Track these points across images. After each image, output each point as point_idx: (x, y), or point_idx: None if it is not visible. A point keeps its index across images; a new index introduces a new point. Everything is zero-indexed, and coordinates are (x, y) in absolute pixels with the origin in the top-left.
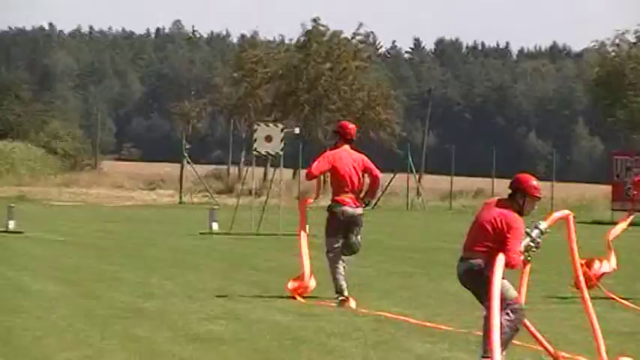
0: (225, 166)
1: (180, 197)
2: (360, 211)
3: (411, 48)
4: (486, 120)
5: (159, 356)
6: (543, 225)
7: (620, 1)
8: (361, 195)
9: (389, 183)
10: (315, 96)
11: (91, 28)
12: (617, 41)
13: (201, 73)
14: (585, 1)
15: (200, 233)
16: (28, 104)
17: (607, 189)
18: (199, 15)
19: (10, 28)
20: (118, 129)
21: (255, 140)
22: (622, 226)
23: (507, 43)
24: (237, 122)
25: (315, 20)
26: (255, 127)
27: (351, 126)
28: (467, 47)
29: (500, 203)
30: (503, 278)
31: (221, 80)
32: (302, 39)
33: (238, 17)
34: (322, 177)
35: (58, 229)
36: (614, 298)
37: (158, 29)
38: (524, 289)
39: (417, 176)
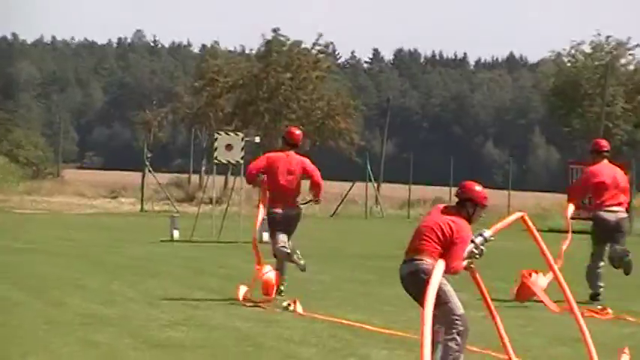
0: (186, 175)
1: (142, 205)
2: (294, 212)
3: (370, 58)
4: (444, 129)
5: None
6: (488, 233)
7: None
8: (298, 197)
9: (348, 192)
10: (275, 105)
11: (53, 37)
12: (572, 52)
13: (162, 83)
14: (542, 13)
15: (161, 241)
16: None
17: (563, 198)
18: (161, 25)
19: None
20: (80, 137)
21: (216, 149)
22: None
23: (465, 54)
24: (198, 131)
25: (275, 30)
26: (216, 135)
27: (298, 132)
28: (425, 57)
29: (449, 210)
30: (446, 288)
31: (182, 89)
32: (262, 49)
33: (199, 27)
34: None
35: (20, 236)
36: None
37: (120, 39)
38: (487, 298)
39: (376, 185)
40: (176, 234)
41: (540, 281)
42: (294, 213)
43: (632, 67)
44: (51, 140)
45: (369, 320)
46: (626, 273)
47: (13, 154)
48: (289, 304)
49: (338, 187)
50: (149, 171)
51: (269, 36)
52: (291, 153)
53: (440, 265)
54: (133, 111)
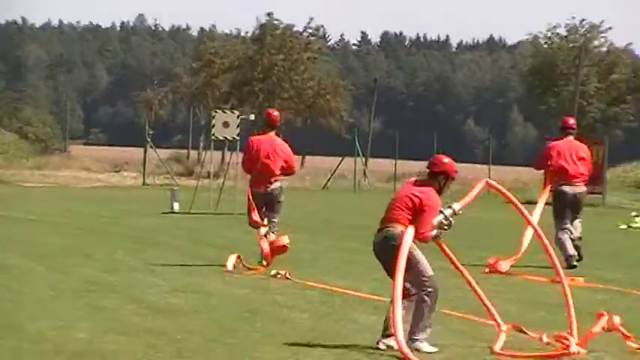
0: (185, 150)
1: (144, 179)
2: (275, 190)
3: (358, 41)
4: (428, 108)
5: (124, 326)
6: (457, 206)
7: None
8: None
9: (337, 166)
10: (269, 85)
11: (60, 21)
12: (549, 34)
13: (163, 64)
14: None
15: (162, 213)
16: (2, 93)
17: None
18: (161, 9)
19: None
20: (85, 116)
21: (214, 126)
22: (540, 205)
23: (447, 36)
24: (197, 109)
25: (269, 15)
26: (214, 113)
27: (275, 113)
28: (410, 40)
29: (421, 182)
30: (415, 252)
31: (181, 70)
32: (257, 32)
33: (198, 11)
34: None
35: (30, 208)
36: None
37: (123, 23)
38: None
39: (364, 160)
40: (176, 206)
41: (503, 266)
42: (276, 192)
43: (604, 49)
44: (58, 118)
45: (359, 287)
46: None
47: (23, 131)
48: (277, 273)
49: (328, 162)
50: (150, 147)
51: (263, 20)
52: (273, 136)
53: (410, 231)
54: (136, 91)
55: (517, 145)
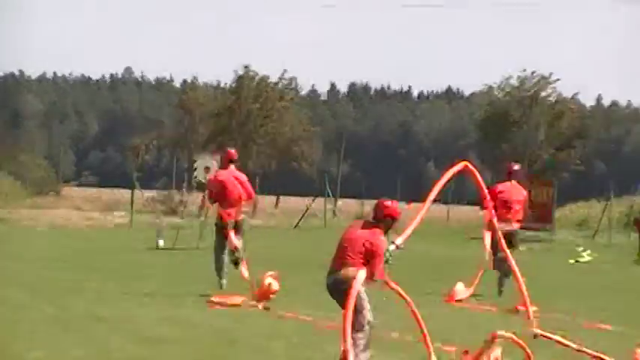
0: (169, 192)
1: (132, 218)
2: (240, 217)
3: (327, 91)
4: (391, 152)
5: (115, 355)
6: (399, 240)
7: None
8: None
9: (309, 207)
10: (246, 132)
11: (54, 73)
12: (502, 85)
13: (148, 113)
14: (476, 51)
15: (148, 248)
16: (0, 139)
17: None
18: (147, 63)
19: None
20: (77, 160)
21: (196, 169)
22: (487, 242)
23: (409, 87)
24: (180, 154)
25: (246, 67)
26: (195, 158)
27: (232, 151)
28: (375, 90)
29: (369, 225)
30: (362, 296)
31: (166, 118)
32: (235, 83)
33: (180, 64)
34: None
35: (26, 245)
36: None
37: (112, 75)
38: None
39: (334, 200)
40: (161, 242)
41: (460, 290)
42: (240, 218)
43: (553, 99)
44: (52, 162)
45: (330, 318)
46: (506, 276)
47: (20, 174)
48: (255, 305)
49: (300, 202)
50: (137, 188)
51: (241, 72)
52: (232, 169)
53: (360, 276)
54: (124, 137)
55: (473, 187)
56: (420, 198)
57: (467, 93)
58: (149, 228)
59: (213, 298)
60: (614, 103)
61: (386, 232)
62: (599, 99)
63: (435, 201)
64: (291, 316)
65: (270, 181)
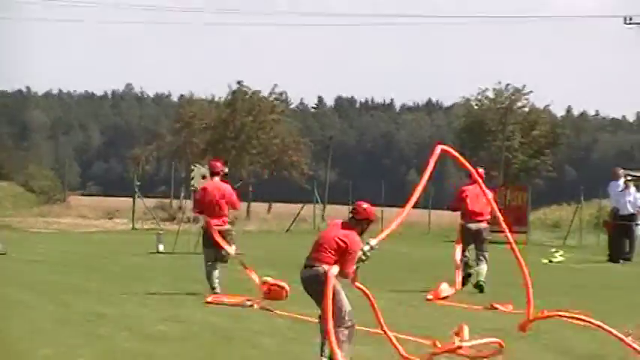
0: (168, 200)
1: (133, 224)
2: (225, 227)
3: (315, 104)
4: (376, 161)
5: (118, 352)
6: (373, 242)
7: (479, 66)
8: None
9: (299, 212)
10: (240, 143)
11: (60, 90)
12: (479, 97)
13: (148, 126)
14: (454, 65)
15: (149, 253)
16: (10, 152)
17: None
18: (147, 79)
19: None
20: (82, 170)
21: (193, 178)
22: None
23: (392, 100)
24: (178, 164)
25: (239, 83)
26: (193, 167)
27: (218, 164)
28: (360, 103)
29: (346, 225)
30: (337, 288)
31: (164, 131)
32: (229, 98)
33: (178, 80)
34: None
35: (35, 250)
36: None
37: (113, 91)
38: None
39: (322, 206)
40: (161, 247)
41: (445, 289)
42: (225, 228)
43: (526, 109)
44: (58, 173)
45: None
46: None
47: (28, 184)
48: (251, 304)
49: (292, 208)
50: (138, 197)
51: (234, 87)
52: (216, 180)
53: (333, 271)
54: (125, 149)
55: (452, 193)
56: (402, 203)
57: (446, 104)
58: (150, 234)
59: (209, 298)
60: (583, 113)
61: (361, 234)
62: (569, 109)
63: (414, 207)
64: (286, 314)
65: (262, 189)
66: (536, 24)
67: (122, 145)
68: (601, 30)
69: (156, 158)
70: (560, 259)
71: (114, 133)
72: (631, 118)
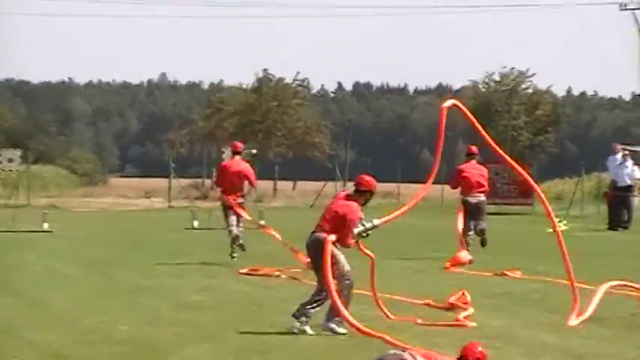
0: (201, 179)
1: (169, 203)
2: (239, 200)
3: (335, 89)
4: (392, 141)
5: (157, 319)
6: (377, 222)
7: (488, 51)
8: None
9: (322, 189)
10: (266, 126)
11: (99, 80)
12: (486, 80)
13: (181, 112)
14: (464, 49)
15: (185, 229)
16: (55, 137)
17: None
18: (180, 68)
19: (40, 82)
20: (121, 154)
21: (223, 159)
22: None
23: (406, 84)
24: (209, 147)
25: (265, 70)
26: (223, 150)
27: (238, 144)
28: (376, 87)
29: (349, 197)
30: (335, 252)
31: (196, 116)
32: (255, 84)
33: (208, 69)
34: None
35: (79, 228)
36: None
37: (149, 80)
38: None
39: (343, 183)
40: (196, 224)
41: (464, 255)
42: (239, 201)
43: (530, 91)
44: (99, 156)
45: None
46: (483, 245)
47: (72, 167)
48: (279, 274)
49: (315, 185)
50: (174, 177)
51: (260, 74)
52: (237, 159)
53: (330, 238)
54: (161, 134)
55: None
56: (417, 180)
57: (455, 87)
58: (185, 211)
59: (242, 270)
60: (582, 93)
61: (364, 204)
62: (569, 90)
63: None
64: (308, 282)
65: (287, 168)
66: (540, 12)
67: (157, 131)
68: (599, 15)
69: (189, 142)
70: (563, 228)
71: (150, 120)
72: (627, 97)
